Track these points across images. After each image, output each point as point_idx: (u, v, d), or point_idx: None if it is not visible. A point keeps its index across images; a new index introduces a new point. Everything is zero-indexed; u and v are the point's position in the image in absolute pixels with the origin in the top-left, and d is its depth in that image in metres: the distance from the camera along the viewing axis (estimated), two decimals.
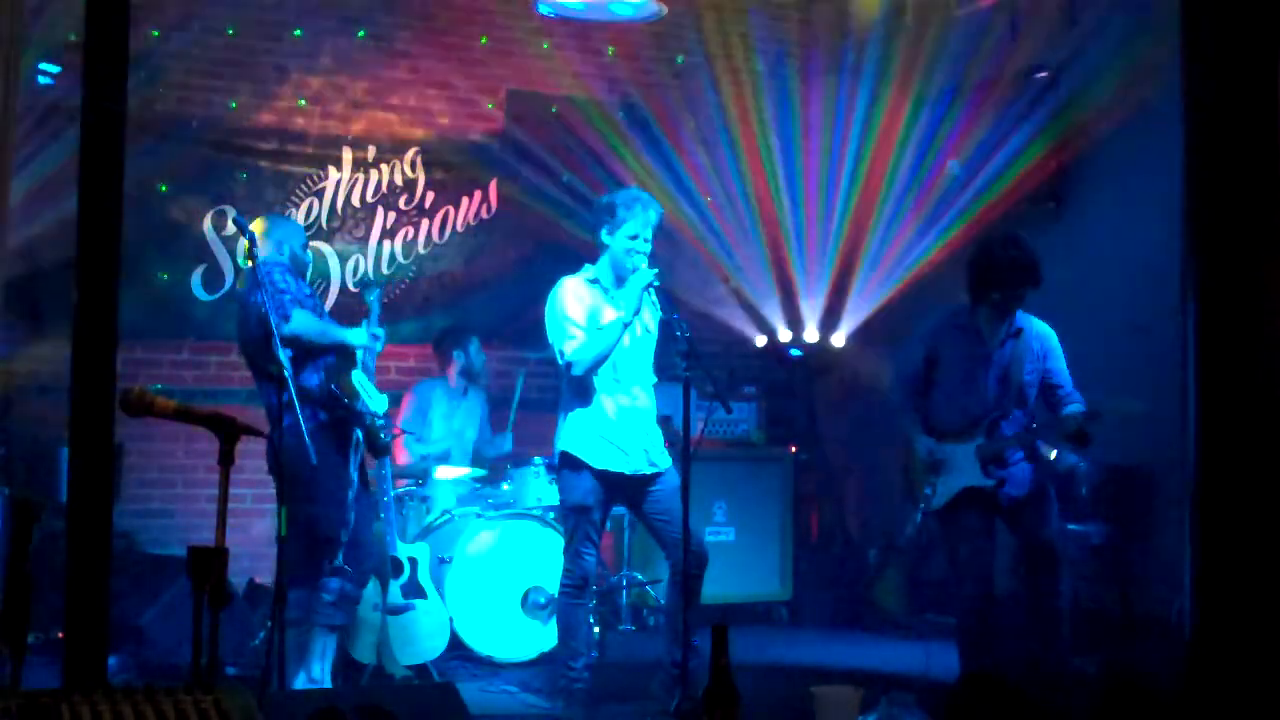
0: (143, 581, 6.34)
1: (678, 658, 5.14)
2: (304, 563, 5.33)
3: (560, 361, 5.33)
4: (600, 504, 5.40)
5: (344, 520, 5.37)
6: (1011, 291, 5.45)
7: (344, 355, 5.55)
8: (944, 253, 8.10)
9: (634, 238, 5.32)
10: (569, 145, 8.40)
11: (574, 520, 5.42)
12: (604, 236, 5.37)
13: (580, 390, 5.37)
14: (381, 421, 5.62)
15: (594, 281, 5.41)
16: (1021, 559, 5.66)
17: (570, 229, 8.15)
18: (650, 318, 5.45)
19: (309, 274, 5.97)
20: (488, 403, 7.68)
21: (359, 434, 5.48)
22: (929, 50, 8.22)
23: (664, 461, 5.43)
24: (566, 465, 5.40)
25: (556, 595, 5.65)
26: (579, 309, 5.32)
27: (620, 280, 5.35)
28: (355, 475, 5.45)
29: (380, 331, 5.71)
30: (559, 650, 5.63)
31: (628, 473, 5.36)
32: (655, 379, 5.56)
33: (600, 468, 5.33)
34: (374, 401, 5.55)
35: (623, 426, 5.35)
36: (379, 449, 5.67)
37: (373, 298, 5.84)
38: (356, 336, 5.57)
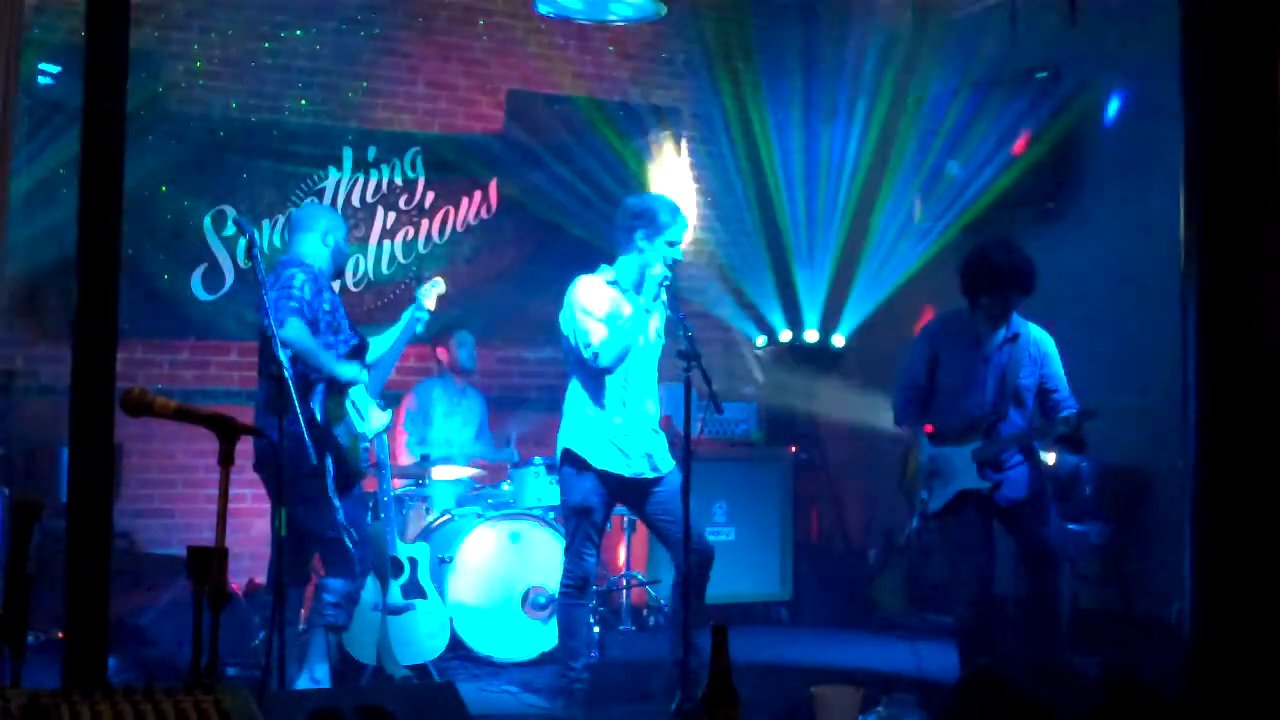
0: (143, 581, 6.34)
1: (682, 656, 5.14)
2: (292, 563, 5.30)
3: (586, 354, 5.29)
4: (602, 505, 5.40)
5: (333, 520, 5.30)
6: (1004, 296, 5.45)
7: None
8: (943, 253, 8.10)
9: (672, 244, 5.37)
10: (569, 145, 8.40)
11: (575, 521, 5.41)
12: (640, 241, 5.36)
13: (584, 392, 5.37)
14: (365, 445, 5.51)
15: (613, 283, 5.41)
16: (1020, 560, 5.66)
17: (570, 228, 8.16)
18: (659, 321, 5.46)
19: (346, 266, 5.81)
20: (486, 403, 7.70)
21: (329, 461, 5.27)
22: (929, 50, 8.22)
23: (667, 465, 5.42)
24: (568, 463, 5.39)
25: (557, 595, 5.65)
26: (599, 304, 5.32)
27: (640, 284, 5.35)
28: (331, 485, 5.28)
29: (424, 315, 5.75)
30: (559, 650, 5.62)
31: (628, 475, 5.35)
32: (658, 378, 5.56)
33: (601, 468, 5.33)
34: (365, 423, 5.44)
35: (625, 431, 5.35)
36: (348, 477, 5.39)
37: (419, 291, 5.84)
38: (347, 371, 5.37)
